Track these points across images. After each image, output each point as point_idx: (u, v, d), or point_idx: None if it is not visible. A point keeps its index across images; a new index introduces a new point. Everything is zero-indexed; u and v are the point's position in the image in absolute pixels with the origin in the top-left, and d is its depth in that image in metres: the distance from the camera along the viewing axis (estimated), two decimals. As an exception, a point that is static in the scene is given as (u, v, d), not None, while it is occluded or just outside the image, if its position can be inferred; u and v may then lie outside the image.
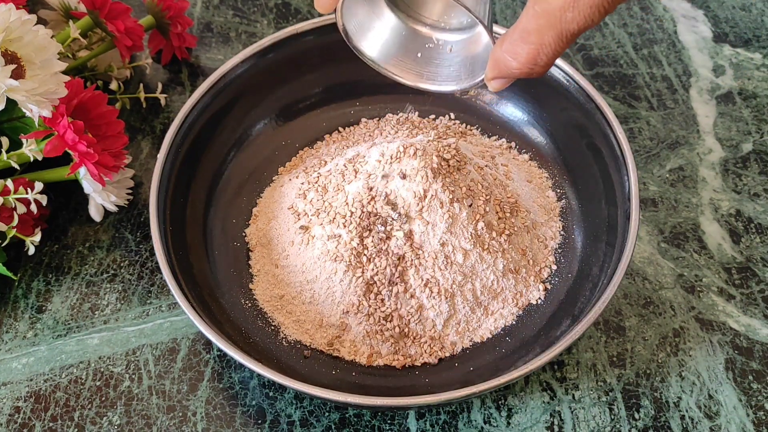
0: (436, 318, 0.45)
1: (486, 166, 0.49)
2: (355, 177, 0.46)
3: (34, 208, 0.46)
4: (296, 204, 0.48)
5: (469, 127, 0.55)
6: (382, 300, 0.44)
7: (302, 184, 0.49)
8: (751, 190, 0.54)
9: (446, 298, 0.44)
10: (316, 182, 0.48)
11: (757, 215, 0.52)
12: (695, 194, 0.53)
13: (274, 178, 0.53)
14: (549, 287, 0.47)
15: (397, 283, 0.44)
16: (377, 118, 0.55)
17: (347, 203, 0.45)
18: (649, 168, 0.55)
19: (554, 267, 0.48)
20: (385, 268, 0.44)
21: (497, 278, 0.46)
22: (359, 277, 0.44)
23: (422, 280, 0.44)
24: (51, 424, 0.44)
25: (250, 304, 0.47)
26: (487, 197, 0.46)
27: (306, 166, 0.52)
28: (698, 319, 0.48)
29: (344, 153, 0.51)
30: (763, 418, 0.44)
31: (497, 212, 0.47)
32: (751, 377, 0.45)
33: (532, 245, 0.48)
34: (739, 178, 0.54)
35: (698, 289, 0.49)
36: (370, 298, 0.44)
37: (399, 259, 0.44)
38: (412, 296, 0.45)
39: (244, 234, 0.50)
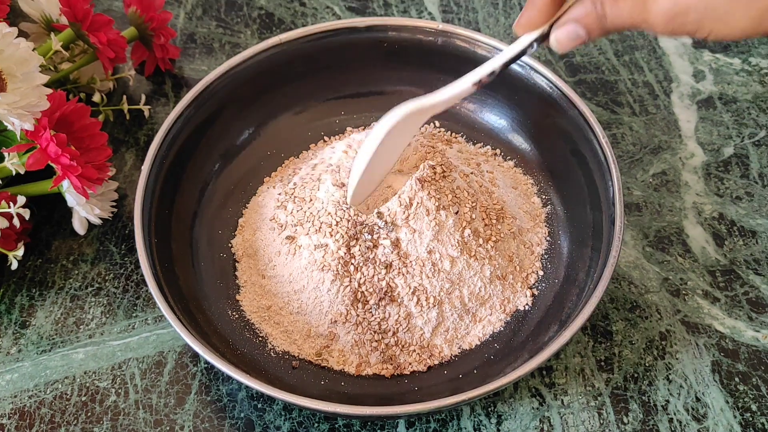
0: (425, 326, 0.45)
1: (471, 173, 0.49)
2: (322, 178, 0.47)
3: (16, 222, 0.46)
4: (277, 215, 0.48)
5: (454, 134, 0.55)
6: (370, 309, 0.44)
7: (279, 195, 0.49)
8: (733, 193, 0.54)
9: (434, 305, 0.44)
10: (293, 192, 0.48)
11: (739, 218, 0.53)
12: (678, 198, 0.54)
13: (259, 189, 0.53)
14: (536, 293, 0.47)
15: (384, 292, 0.44)
16: (362, 127, 0.56)
17: (330, 213, 0.45)
18: (632, 173, 0.55)
19: (541, 273, 0.48)
20: (373, 276, 0.44)
21: (485, 285, 0.46)
22: (347, 286, 0.44)
23: (410, 288, 0.44)
24: (36, 441, 0.43)
25: (237, 316, 0.47)
26: (473, 204, 0.46)
27: (282, 176, 0.52)
28: (684, 322, 0.48)
29: (310, 160, 0.51)
30: (750, 419, 0.44)
31: (483, 219, 0.47)
32: (737, 379, 0.46)
33: (519, 251, 0.48)
34: (722, 182, 0.55)
35: (683, 292, 0.49)
36: (357, 308, 0.44)
37: (386, 267, 0.44)
38: (400, 304, 0.44)
39: (230, 245, 0.50)
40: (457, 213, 0.45)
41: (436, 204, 0.45)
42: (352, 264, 0.44)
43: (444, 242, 0.45)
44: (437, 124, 0.56)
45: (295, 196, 0.48)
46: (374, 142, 0.43)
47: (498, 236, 0.47)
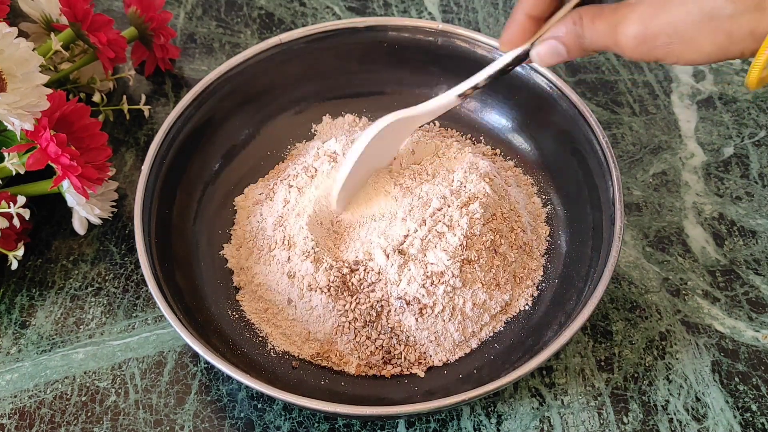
0: (425, 333, 0.44)
1: (496, 176, 0.49)
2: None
3: (16, 222, 0.46)
4: (253, 223, 0.48)
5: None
6: (370, 320, 0.44)
7: (260, 194, 0.50)
8: (733, 193, 0.54)
9: (434, 314, 0.44)
10: (271, 195, 0.48)
11: (739, 218, 0.53)
12: (678, 198, 0.54)
13: (250, 187, 0.53)
14: (536, 293, 0.47)
15: (381, 305, 0.44)
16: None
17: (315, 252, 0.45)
18: (632, 173, 0.55)
19: (541, 273, 0.48)
20: (373, 290, 0.44)
21: (486, 291, 0.45)
22: (343, 304, 0.44)
23: (410, 298, 0.44)
24: (36, 441, 0.43)
25: (237, 316, 0.47)
26: (494, 214, 0.46)
27: (267, 176, 0.52)
28: (684, 322, 0.48)
29: (300, 157, 0.52)
30: (750, 419, 0.44)
31: (500, 231, 0.46)
32: (737, 379, 0.46)
33: (522, 253, 0.48)
34: (722, 182, 0.55)
35: (683, 292, 0.49)
36: (356, 319, 0.44)
37: (385, 279, 0.44)
38: (400, 314, 0.44)
39: (226, 245, 0.50)
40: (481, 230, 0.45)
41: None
42: (346, 286, 0.44)
43: (449, 253, 0.44)
44: (437, 123, 0.56)
45: (274, 201, 0.48)
46: (356, 152, 0.45)
47: (506, 240, 0.47)
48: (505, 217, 0.47)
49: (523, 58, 0.41)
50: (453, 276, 0.44)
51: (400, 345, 0.44)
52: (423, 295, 0.44)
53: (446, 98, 0.45)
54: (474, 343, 0.45)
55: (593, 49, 0.37)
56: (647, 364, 0.46)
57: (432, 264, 0.44)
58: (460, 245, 0.44)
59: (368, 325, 0.44)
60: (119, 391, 0.45)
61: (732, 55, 0.34)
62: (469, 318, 0.45)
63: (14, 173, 0.46)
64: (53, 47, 0.51)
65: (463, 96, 0.44)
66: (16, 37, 0.45)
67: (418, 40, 0.54)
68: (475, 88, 0.43)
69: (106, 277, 0.50)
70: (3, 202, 0.46)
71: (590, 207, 0.48)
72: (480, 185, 0.46)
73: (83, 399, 0.45)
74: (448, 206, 0.45)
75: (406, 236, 0.44)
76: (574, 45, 0.38)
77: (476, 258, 0.45)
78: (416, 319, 0.44)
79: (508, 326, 0.46)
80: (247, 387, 0.43)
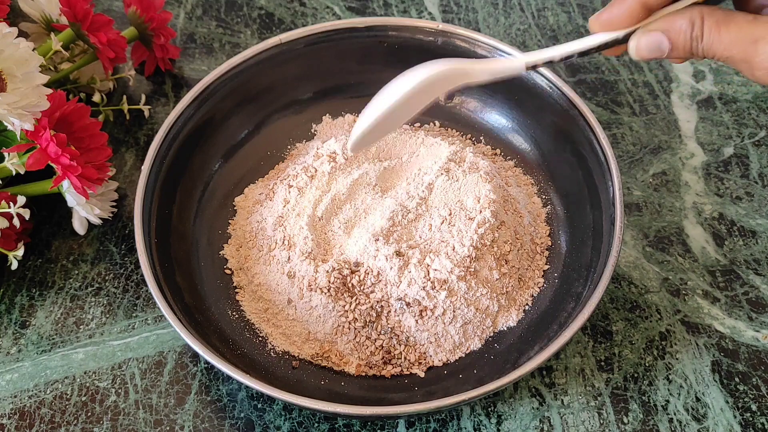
0: (425, 337, 0.44)
1: (506, 185, 0.49)
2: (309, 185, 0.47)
3: (17, 222, 0.46)
4: (254, 223, 0.48)
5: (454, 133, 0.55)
6: (371, 321, 0.44)
7: (260, 195, 0.49)
8: (733, 193, 0.54)
9: (435, 319, 0.44)
10: (272, 195, 0.48)
11: (739, 218, 0.53)
12: (678, 198, 0.54)
13: (250, 187, 0.53)
14: (536, 293, 0.47)
15: (381, 306, 0.44)
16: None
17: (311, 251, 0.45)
18: (632, 173, 0.55)
19: (541, 273, 0.48)
20: (372, 291, 0.44)
21: (494, 298, 0.45)
22: (343, 305, 0.44)
23: (410, 300, 0.44)
24: (36, 441, 0.43)
25: (237, 315, 0.47)
26: (502, 220, 0.46)
27: (267, 176, 0.52)
28: (684, 322, 0.48)
29: (300, 156, 0.51)
30: (750, 419, 0.44)
31: (507, 241, 0.46)
32: (737, 379, 0.46)
33: (523, 255, 0.48)
34: (722, 182, 0.55)
35: (683, 292, 0.49)
36: (356, 321, 0.44)
37: (386, 281, 0.44)
38: (400, 314, 0.44)
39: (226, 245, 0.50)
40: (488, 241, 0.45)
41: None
42: (346, 287, 0.44)
43: (454, 262, 0.44)
44: (437, 123, 0.56)
45: (274, 201, 0.48)
46: (396, 96, 0.39)
47: (515, 250, 0.46)
48: (510, 224, 0.47)
49: (609, 45, 0.35)
50: (457, 284, 0.44)
51: (400, 345, 0.44)
52: (423, 298, 0.44)
53: (512, 62, 0.37)
54: (474, 344, 0.45)
55: (705, 56, 0.33)
56: (647, 364, 0.46)
57: (436, 270, 0.44)
58: (468, 256, 0.44)
59: (368, 326, 0.44)
60: (119, 391, 0.45)
61: None
62: (470, 322, 0.45)
63: (14, 173, 0.46)
64: (53, 47, 0.51)
65: (532, 67, 0.38)
66: (16, 37, 0.45)
67: (418, 40, 0.54)
68: (549, 62, 0.37)
69: (106, 277, 0.50)
70: (3, 202, 0.46)
71: (590, 207, 0.48)
72: (486, 191, 0.46)
73: (83, 399, 0.45)
74: (456, 214, 0.45)
75: (408, 239, 0.44)
76: (683, 46, 0.33)
77: (483, 268, 0.45)
78: (416, 321, 0.44)
79: (509, 326, 0.46)
80: (247, 387, 0.43)
